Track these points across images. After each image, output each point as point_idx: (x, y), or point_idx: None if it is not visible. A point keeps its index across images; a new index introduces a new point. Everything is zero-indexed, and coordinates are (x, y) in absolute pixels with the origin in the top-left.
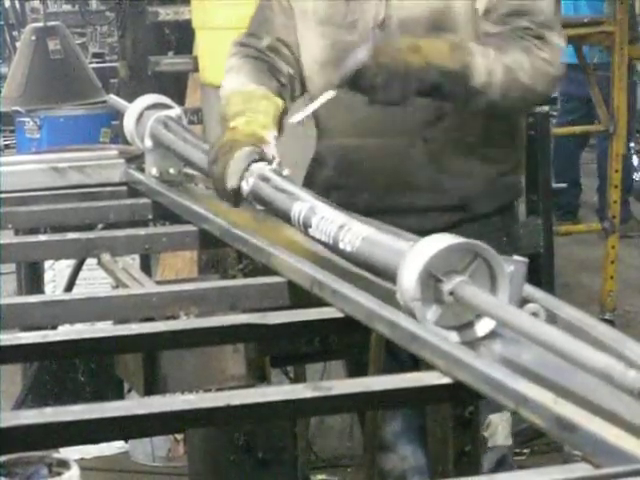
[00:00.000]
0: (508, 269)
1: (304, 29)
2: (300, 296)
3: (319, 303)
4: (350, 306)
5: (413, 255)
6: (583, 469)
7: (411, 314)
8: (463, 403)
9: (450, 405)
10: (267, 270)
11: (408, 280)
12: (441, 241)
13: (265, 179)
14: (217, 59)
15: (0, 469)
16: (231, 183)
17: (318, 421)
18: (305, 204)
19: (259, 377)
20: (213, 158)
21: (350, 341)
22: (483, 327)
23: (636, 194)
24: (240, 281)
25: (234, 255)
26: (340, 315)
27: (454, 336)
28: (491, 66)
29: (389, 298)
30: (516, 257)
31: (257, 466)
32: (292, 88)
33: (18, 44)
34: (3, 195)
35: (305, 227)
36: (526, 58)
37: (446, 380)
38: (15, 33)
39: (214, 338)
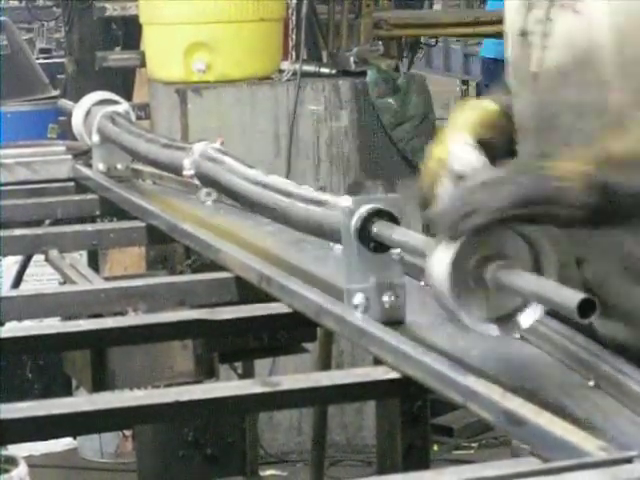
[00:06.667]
0: None
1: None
2: (248, 292)
3: (267, 299)
4: (298, 302)
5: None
6: (531, 463)
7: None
8: (411, 398)
9: (398, 400)
10: (215, 266)
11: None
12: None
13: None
14: (164, 54)
15: None
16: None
17: (267, 416)
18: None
19: (207, 373)
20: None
21: (298, 336)
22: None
23: None
24: (188, 277)
25: (182, 251)
26: (288, 310)
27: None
28: None
29: (337, 294)
30: None
31: (206, 461)
32: None
33: None
34: None
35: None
36: None
37: (394, 375)
38: None
39: (162, 334)
